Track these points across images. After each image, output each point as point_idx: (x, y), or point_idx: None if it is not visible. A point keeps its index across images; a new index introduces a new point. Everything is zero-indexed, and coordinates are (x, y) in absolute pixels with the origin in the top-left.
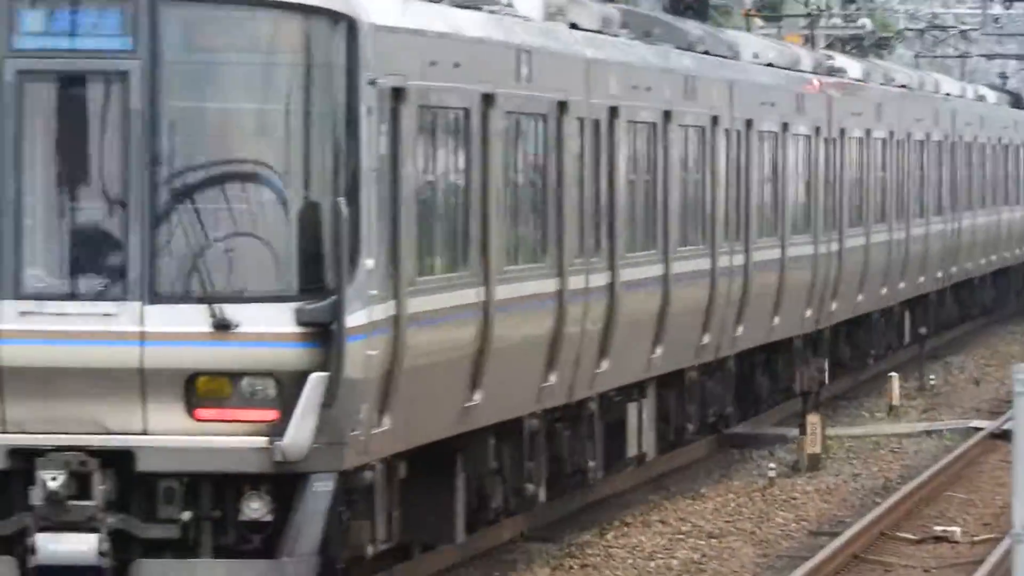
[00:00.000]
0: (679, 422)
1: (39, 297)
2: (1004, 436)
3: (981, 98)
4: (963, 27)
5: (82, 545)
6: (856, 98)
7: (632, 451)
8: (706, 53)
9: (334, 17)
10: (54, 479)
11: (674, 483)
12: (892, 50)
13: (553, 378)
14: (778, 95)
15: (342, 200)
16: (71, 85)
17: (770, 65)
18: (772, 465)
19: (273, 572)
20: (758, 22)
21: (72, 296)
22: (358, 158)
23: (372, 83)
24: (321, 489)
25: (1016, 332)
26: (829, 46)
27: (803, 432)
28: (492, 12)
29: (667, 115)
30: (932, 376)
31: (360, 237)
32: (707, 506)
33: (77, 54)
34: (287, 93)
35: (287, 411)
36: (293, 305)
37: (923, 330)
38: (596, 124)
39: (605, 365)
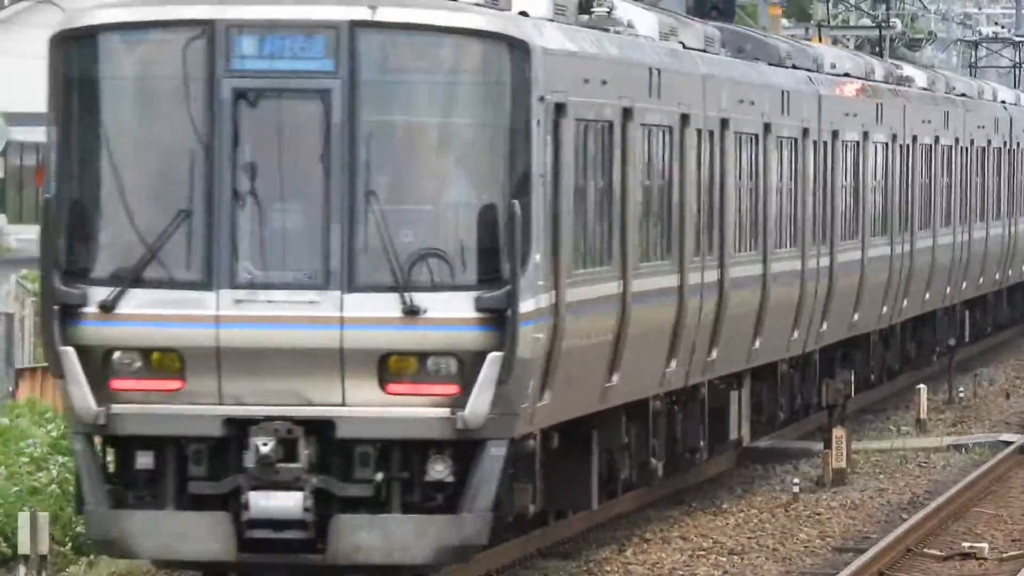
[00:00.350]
0: (771, 410)
1: (251, 286)
2: None
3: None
4: (1015, 37)
5: (289, 502)
6: (925, 107)
7: (733, 435)
8: (794, 67)
9: (510, 42)
10: (265, 444)
11: (695, 498)
12: (921, 52)
13: (674, 364)
14: (859, 106)
15: (516, 202)
16: (280, 101)
17: (847, 75)
18: (796, 480)
19: (454, 526)
20: (784, 22)
21: (280, 286)
22: (529, 165)
23: (541, 99)
24: (496, 453)
25: None
26: (858, 47)
27: (828, 446)
28: (619, 33)
29: (767, 127)
30: (961, 389)
31: (531, 234)
32: (728, 522)
33: (285, 74)
34: (469, 108)
35: (467, 386)
36: (473, 293)
37: (952, 341)
38: (711, 135)
39: (715, 354)
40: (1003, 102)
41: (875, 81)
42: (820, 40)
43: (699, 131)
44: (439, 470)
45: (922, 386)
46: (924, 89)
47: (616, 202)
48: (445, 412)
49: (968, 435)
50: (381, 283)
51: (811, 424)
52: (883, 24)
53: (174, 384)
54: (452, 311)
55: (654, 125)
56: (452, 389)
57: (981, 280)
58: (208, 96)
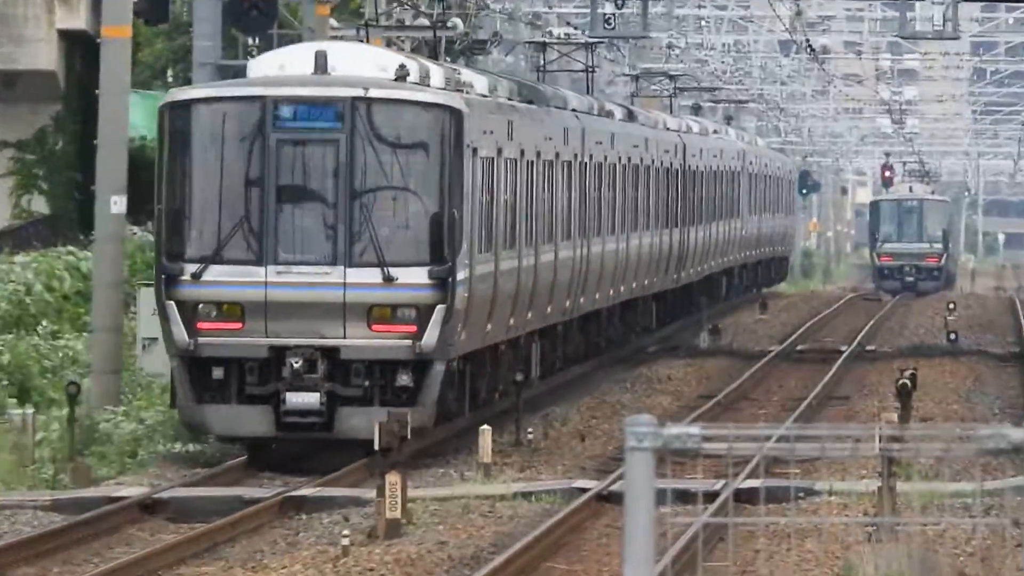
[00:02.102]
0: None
1: (287, 263)
2: (613, 498)
3: (608, 114)
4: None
5: (311, 399)
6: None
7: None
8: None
9: (451, 110)
10: (296, 362)
11: (234, 552)
12: (487, 55)
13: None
14: None
15: (455, 211)
16: (306, 147)
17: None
18: (346, 532)
19: (414, 413)
20: (333, 22)
21: (305, 263)
22: (462, 187)
23: (468, 145)
24: (439, 369)
25: (625, 379)
26: (415, 50)
27: (381, 494)
28: (479, 96)
29: (556, 155)
30: (530, 429)
31: (462, 231)
32: None
33: (310, 130)
34: (425, 151)
35: (422, 326)
36: (427, 268)
37: (519, 376)
38: (532, 164)
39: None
40: (573, 110)
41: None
42: (369, 41)
43: (529, 161)
44: (404, 379)
45: (486, 427)
46: (484, 96)
47: (494, 210)
48: (408, 343)
49: (538, 481)
50: (369, 261)
51: (360, 471)
52: (439, 25)
53: (236, 325)
54: (414, 279)
55: (508, 158)
56: (412, 328)
57: (549, 310)
58: (261, 143)
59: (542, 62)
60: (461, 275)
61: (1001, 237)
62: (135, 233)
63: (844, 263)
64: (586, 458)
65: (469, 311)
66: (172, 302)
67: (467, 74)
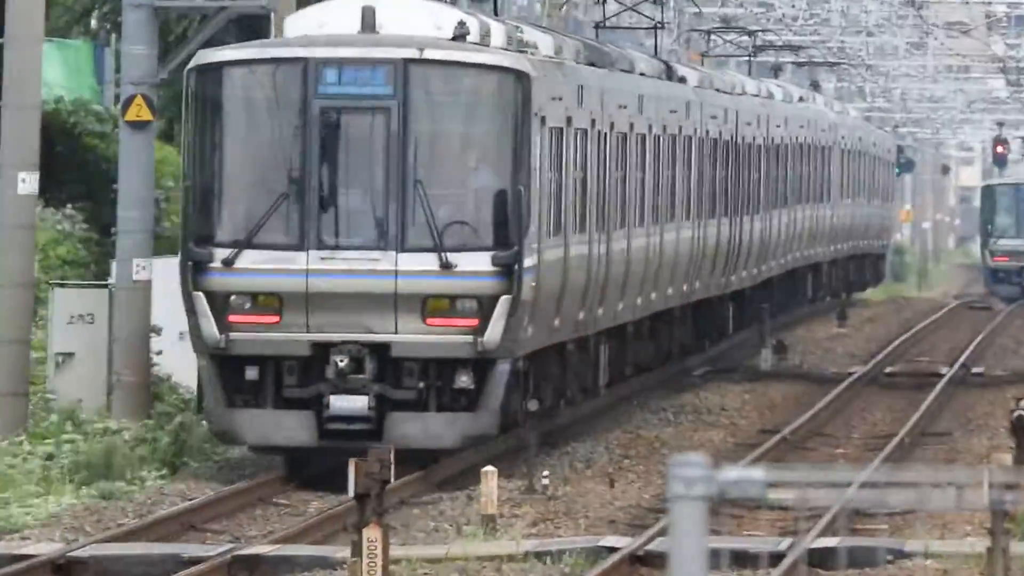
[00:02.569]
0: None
1: (332, 247)
2: (651, 560)
3: (682, 79)
4: None
5: (358, 403)
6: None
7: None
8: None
9: (516, 73)
10: (341, 361)
11: None
12: None
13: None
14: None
15: (521, 188)
16: (353, 116)
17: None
18: None
19: (474, 421)
20: None
21: (352, 248)
22: (529, 161)
23: (535, 114)
24: (503, 368)
25: (666, 408)
26: None
27: (356, 552)
28: (546, 57)
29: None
30: (546, 472)
31: (530, 211)
32: None
33: (357, 97)
34: (487, 120)
35: (484, 320)
36: (490, 253)
37: (532, 405)
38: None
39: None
40: (642, 74)
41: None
42: None
43: (602, 132)
44: (463, 380)
45: (490, 468)
46: (550, 58)
47: (564, 189)
48: (468, 339)
49: (556, 537)
50: (424, 246)
51: (332, 521)
52: None
53: (273, 319)
54: (475, 266)
55: (578, 128)
56: (474, 322)
57: (620, 306)
58: (302, 112)
59: (602, 16)
60: (528, 262)
61: None
62: (52, 220)
63: (945, 262)
64: (616, 509)
65: (537, 303)
66: (200, 293)
67: (530, 32)
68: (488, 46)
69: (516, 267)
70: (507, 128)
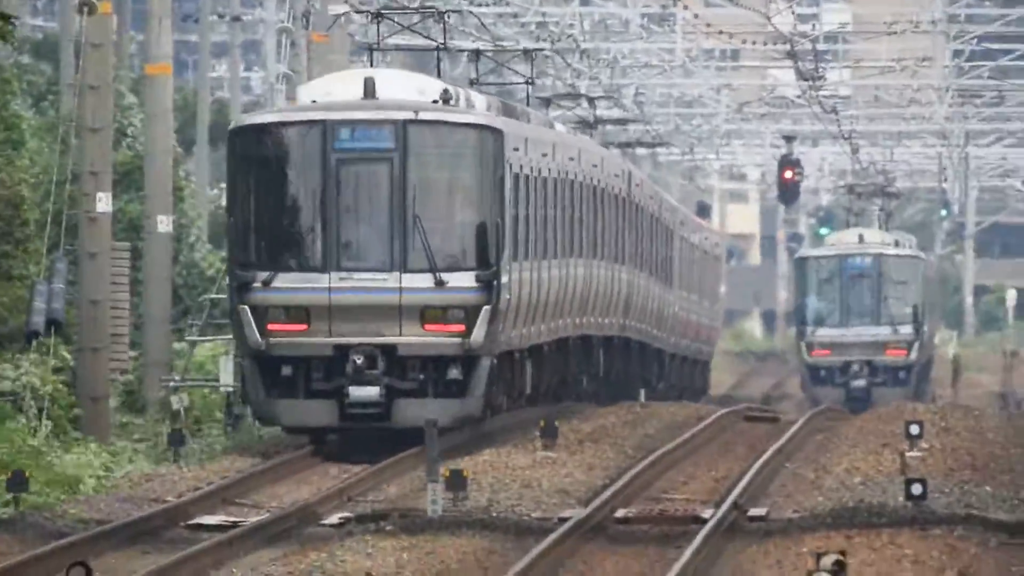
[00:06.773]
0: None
1: (348, 270)
2: None
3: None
4: None
5: (372, 392)
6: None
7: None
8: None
9: (492, 130)
10: (358, 359)
11: None
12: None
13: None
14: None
15: (498, 221)
16: (363, 165)
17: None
18: None
19: (463, 405)
20: None
21: (365, 269)
22: (504, 200)
23: (506, 162)
24: (487, 363)
25: None
26: None
27: None
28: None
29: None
30: None
31: (504, 240)
32: None
33: (366, 151)
34: (471, 168)
35: (470, 325)
36: (474, 272)
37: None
38: (564, 183)
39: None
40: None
41: None
42: None
43: (543, 178)
44: (454, 373)
45: None
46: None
47: (527, 224)
48: (458, 340)
49: None
50: (422, 267)
51: None
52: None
53: (303, 327)
54: (462, 282)
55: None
56: (462, 327)
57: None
58: (323, 163)
59: (475, 73)
60: (504, 278)
61: (1011, 296)
62: None
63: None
64: None
65: (509, 312)
66: (245, 306)
67: (467, 93)
68: (456, 105)
69: (495, 283)
70: (487, 173)
